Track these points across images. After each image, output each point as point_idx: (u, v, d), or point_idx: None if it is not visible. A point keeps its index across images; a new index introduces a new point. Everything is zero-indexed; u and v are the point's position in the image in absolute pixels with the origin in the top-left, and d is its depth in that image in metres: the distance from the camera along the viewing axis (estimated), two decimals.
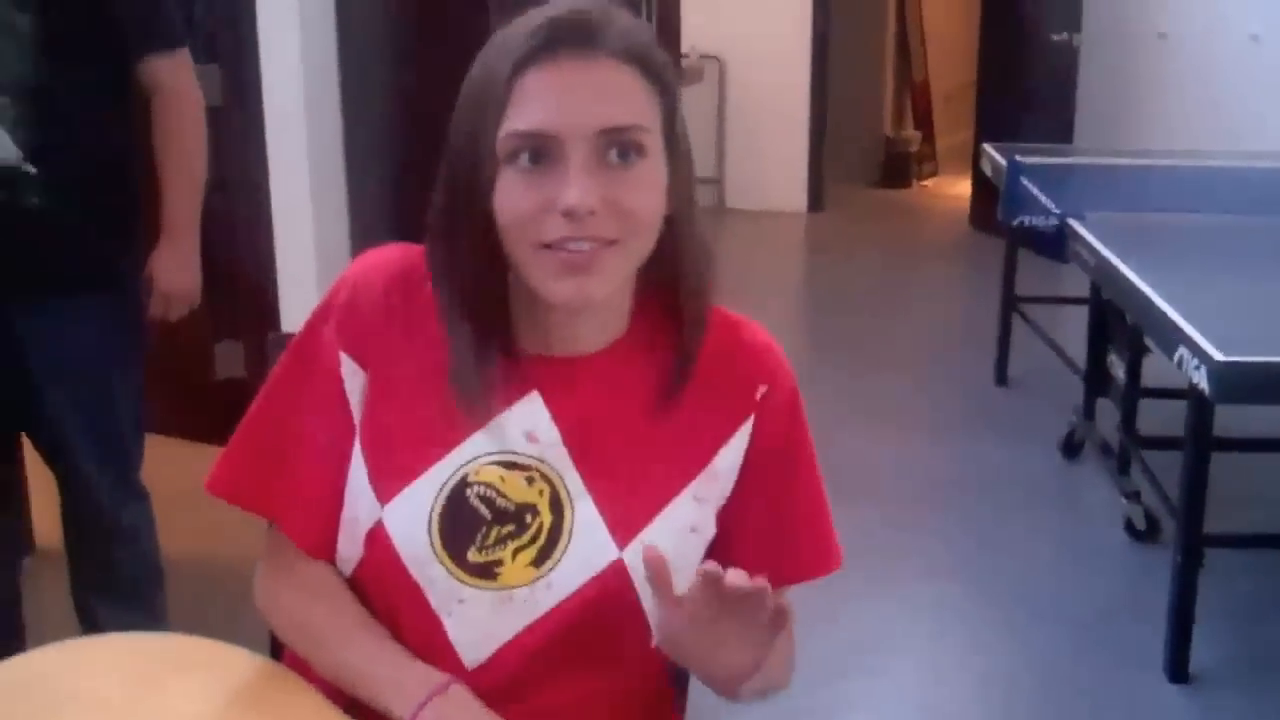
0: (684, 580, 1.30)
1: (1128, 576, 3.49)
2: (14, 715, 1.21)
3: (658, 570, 1.10)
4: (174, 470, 3.83)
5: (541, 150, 1.15)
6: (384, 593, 1.27)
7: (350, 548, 1.29)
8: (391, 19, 3.88)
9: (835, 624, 3.16)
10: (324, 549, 1.31)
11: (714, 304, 1.30)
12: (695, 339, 1.27)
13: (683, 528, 1.28)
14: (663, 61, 1.20)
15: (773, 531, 1.35)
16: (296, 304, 3.67)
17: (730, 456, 1.30)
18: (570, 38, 1.15)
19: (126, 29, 2.38)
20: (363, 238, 3.80)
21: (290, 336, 1.35)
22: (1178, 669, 2.97)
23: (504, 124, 1.15)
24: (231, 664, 1.30)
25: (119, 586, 2.57)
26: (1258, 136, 5.11)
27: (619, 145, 1.15)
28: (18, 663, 1.29)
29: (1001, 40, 7.36)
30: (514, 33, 1.17)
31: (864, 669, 3.06)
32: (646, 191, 1.18)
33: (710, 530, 1.32)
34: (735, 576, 1.07)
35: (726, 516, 1.33)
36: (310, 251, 3.71)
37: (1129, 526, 3.66)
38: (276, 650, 1.41)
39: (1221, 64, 5.37)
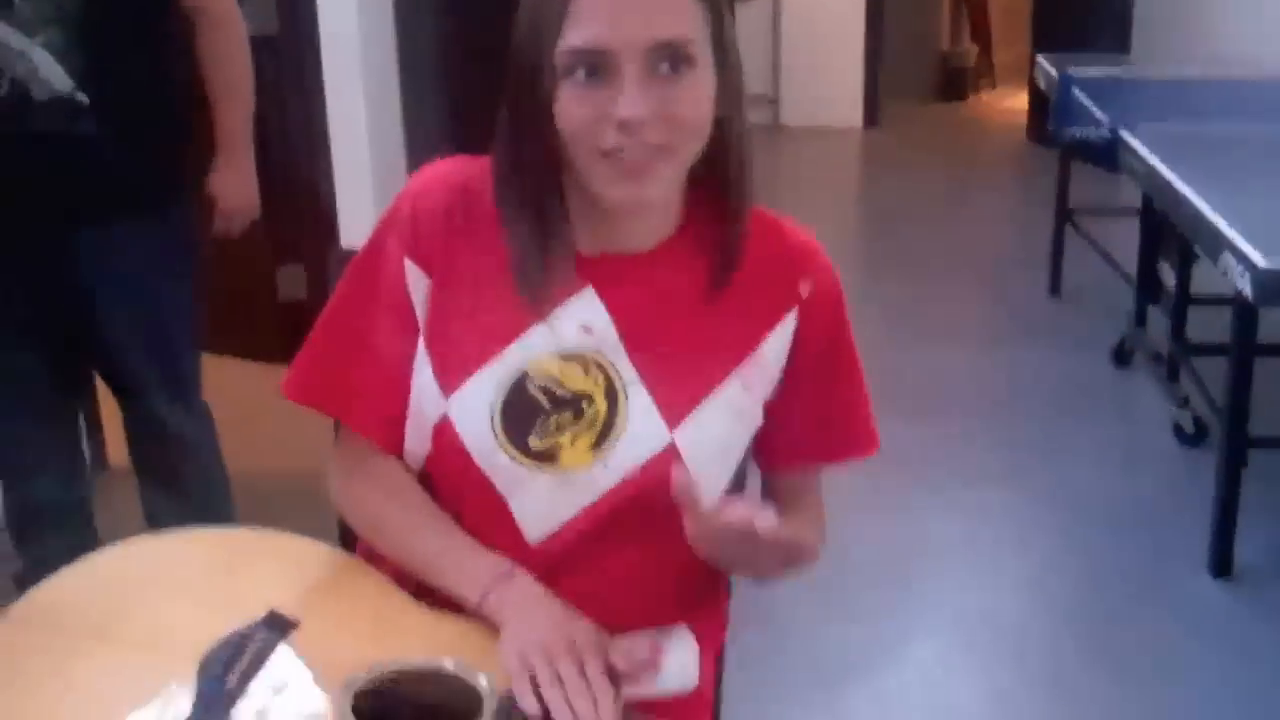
0: (731, 461, 1.39)
1: (1176, 480, 3.55)
2: (98, 603, 1.31)
3: (685, 490, 1.21)
4: (240, 390, 3.96)
5: (596, 65, 1.22)
6: (452, 482, 1.36)
7: (419, 443, 1.38)
8: None
9: (891, 529, 3.25)
10: (392, 444, 1.40)
11: (756, 204, 1.37)
12: (739, 230, 1.35)
13: (730, 412, 1.36)
14: None
15: (816, 418, 1.44)
16: (356, 224, 3.74)
17: (775, 345, 1.38)
18: None
19: None
20: (418, 157, 3.86)
21: (353, 253, 1.43)
22: (1220, 564, 3.05)
23: (561, 40, 1.23)
24: (305, 553, 1.40)
25: (186, 501, 2.67)
26: None
27: (669, 58, 1.23)
28: (96, 557, 1.39)
29: None
30: None
31: (919, 572, 3.15)
32: (696, 100, 1.26)
33: (756, 418, 1.40)
34: (736, 512, 1.17)
35: (774, 407, 1.42)
36: (367, 173, 3.78)
37: (1178, 431, 3.71)
38: (346, 547, 1.51)
39: None
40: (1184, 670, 2.75)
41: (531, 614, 1.27)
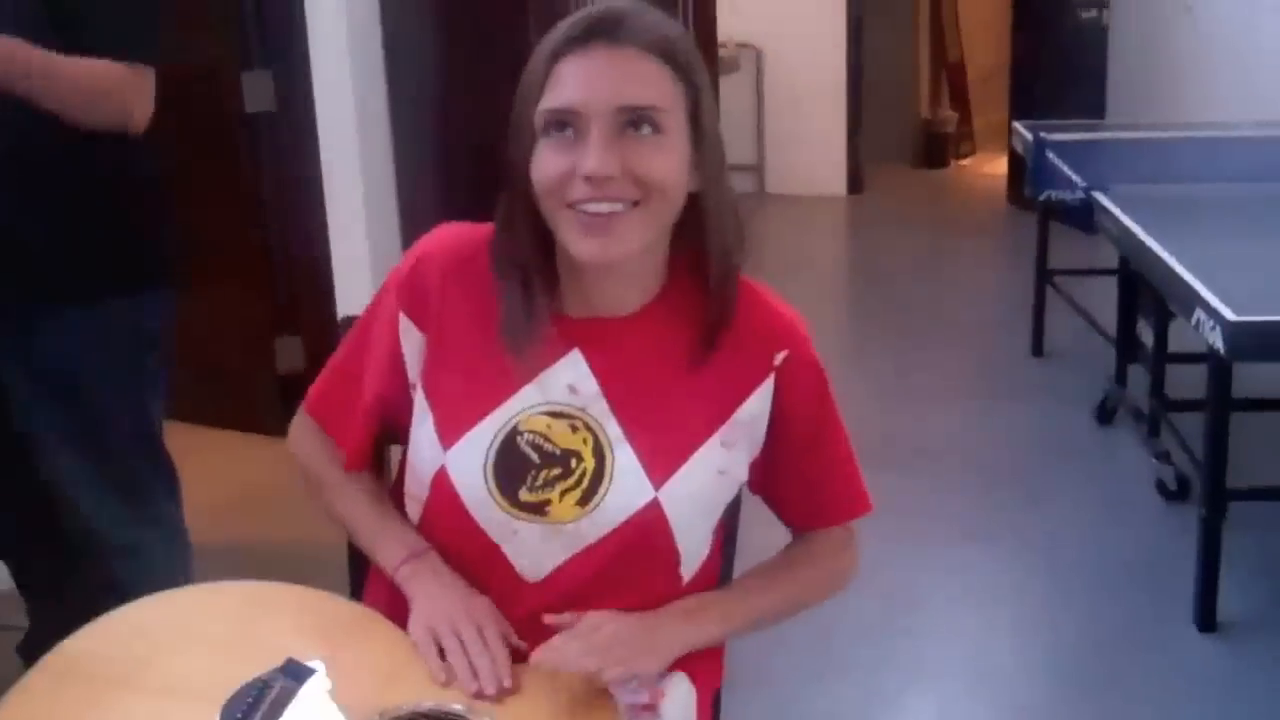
0: (712, 515, 1.48)
1: (1160, 535, 3.60)
2: (125, 654, 1.38)
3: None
4: (238, 464, 4.04)
5: (568, 124, 1.32)
6: (449, 526, 1.45)
7: (418, 487, 1.48)
8: (435, 23, 4.03)
9: (882, 584, 3.30)
10: (361, 464, 1.56)
11: (743, 276, 1.45)
12: (724, 307, 1.43)
13: (711, 470, 1.44)
14: (688, 55, 1.36)
15: (808, 486, 1.54)
16: (352, 294, 3.81)
17: (753, 408, 1.46)
18: (601, 30, 1.33)
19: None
20: (412, 228, 3.95)
21: (350, 319, 1.58)
22: (1205, 618, 3.09)
23: (540, 103, 1.33)
24: (320, 605, 1.47)
25: None
26: None
27: (636, 121, 1.32)
28: (122, 612, 1.45)
29: (1033, 19, 7.42)
30: (559, 27, 1.36)
31: (909, 628, 3.20)
32: (663, 160, 1.34)
33: (738, 474, 1.48)
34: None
35: (766, 471, 1.51)
36: (363, 244, 3.86)
37: (1160, 487, 3.78)
38: (355, 594, 1.58)
39: (1249, 35, 5.43)
40: None
41: (439, 591, 1.42)
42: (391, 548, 1.48)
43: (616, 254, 1.35)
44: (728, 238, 1.42)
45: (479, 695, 1.31)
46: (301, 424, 1.61)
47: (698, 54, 1.38)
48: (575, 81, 1.32)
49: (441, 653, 1.36)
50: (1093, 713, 2.85)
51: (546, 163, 1.33)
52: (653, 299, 1.45)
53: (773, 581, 1.56)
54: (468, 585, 1.44)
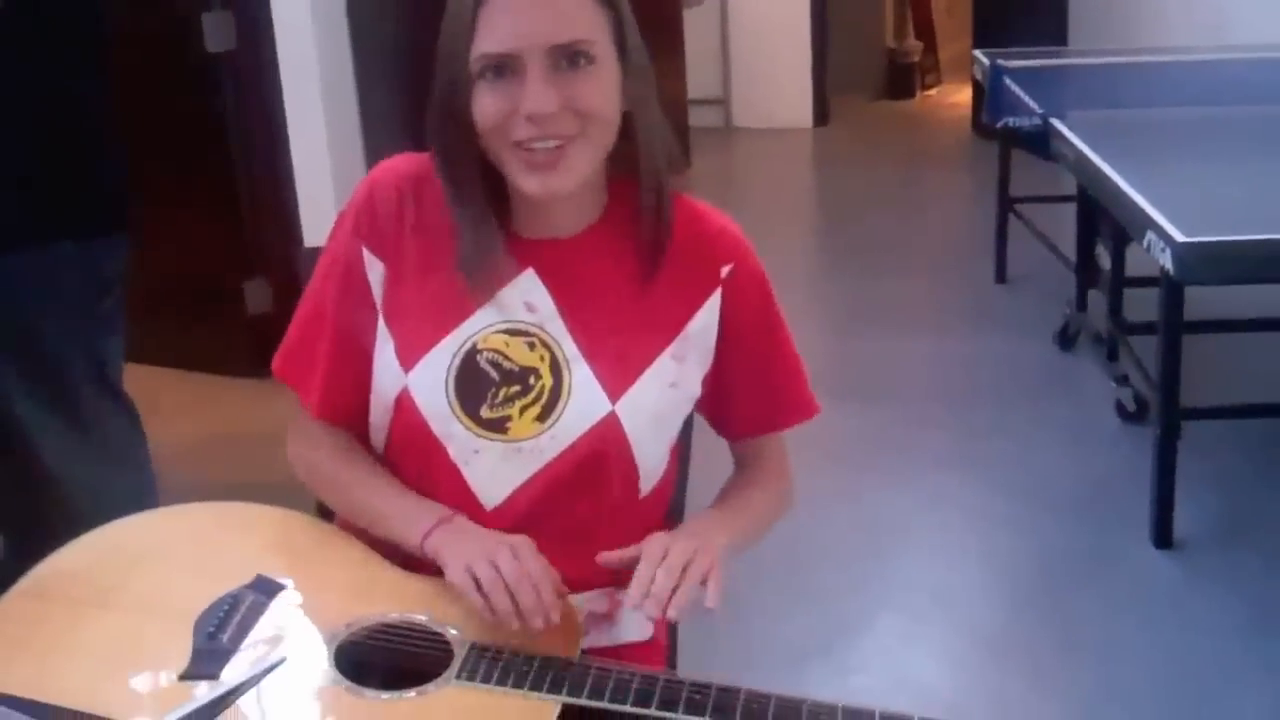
0: (667, 427, 1.52)
1: (1119, 455, 3.67)
2: (101, 574, 1.43)
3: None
4: (211, 406, 4.06)
5: (504, 66, 1.36)
6: (412, 451, 1.49)
7: (381, 415, 1.50)
8: None
9: (849, 511, 3.37)
10: (339, 416, 1.53)
11: (678, 192, 1.50)
12: (658, 221, 1.47)
13: (665, 383, 1.49)
14: None
15: (756, 390, 1.58)
16: (319, 226, 3.82)
17: (701, 322, 1.51)
18: None
19: None
20: (377, 161, 3.97)
21: (317, 249, 1.56)
22: (1162, 535, 3.16)
23: (474, 47, 1.36)
24: (289, 523, 1.52)
25: None
26: (1252, 30, 5.19)
27: (569, 56, 1.36)
28: (98, 533, 1.50)
29: None
30: None
31: (877, 553, 3.26)
32: (599, 90, 1.38)
33: (691, 387, 1.53)
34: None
35: (716, 381, 1.55)
36: (328, 179, 3.88)
37: (1119, 409, 3.85)
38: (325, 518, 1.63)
39: None
40: (1130, 637, 2.86)
41: (469, 538, 1.40)
42: (415, 518, 1.44)
43: (564, 186, 1.40)
44: (658, 155, 1.46)
45: (524, 628, 1.31)
46: (297, 437, 1.57)
47: None
48: (505, 25, 1.35)
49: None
50: (1053, 628, 2.92)
51: (487, 105, 1.37)
52: (597, 219, 1.50)
53: (748, 501, 1.60)
54: (499, 532, 1.42)
